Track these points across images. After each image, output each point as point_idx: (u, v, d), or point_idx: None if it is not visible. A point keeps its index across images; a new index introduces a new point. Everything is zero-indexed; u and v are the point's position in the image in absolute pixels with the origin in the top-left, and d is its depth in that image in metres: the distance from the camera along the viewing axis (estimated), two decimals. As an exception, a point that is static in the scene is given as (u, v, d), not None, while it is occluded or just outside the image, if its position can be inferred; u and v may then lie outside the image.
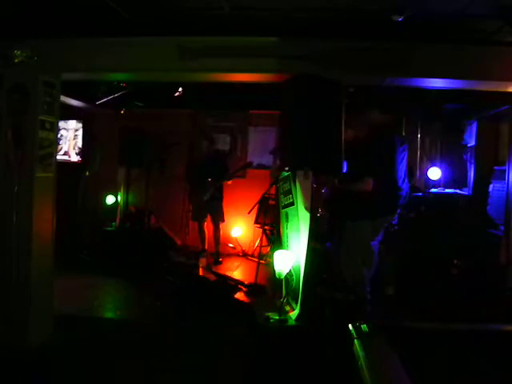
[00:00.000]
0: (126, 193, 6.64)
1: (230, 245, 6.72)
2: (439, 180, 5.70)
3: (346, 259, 3.87)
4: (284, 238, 3.95)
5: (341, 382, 2.54)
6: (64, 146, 6.54)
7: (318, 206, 4.58)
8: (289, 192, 3.74)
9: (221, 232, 6.25)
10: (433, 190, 5.41)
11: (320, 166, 3.35)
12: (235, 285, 4.92)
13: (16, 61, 3.27)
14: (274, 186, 4.95)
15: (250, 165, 6.31)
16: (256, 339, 3.38)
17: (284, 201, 3.89)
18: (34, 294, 3.42)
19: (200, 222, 6.24)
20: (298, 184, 3.52)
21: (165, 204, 6.77)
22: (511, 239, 4.30)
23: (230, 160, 6.54)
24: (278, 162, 5.56)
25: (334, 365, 2.75)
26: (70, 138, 6.54)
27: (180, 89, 5.43)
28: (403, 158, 3.94)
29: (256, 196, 5.62)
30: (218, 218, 6.16)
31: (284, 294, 3.60)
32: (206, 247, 6.26)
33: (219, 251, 6.21)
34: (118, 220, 6.66)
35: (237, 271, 5.71)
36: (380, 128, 3.92)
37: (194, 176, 6.29)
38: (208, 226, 6.26)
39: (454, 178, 5.81)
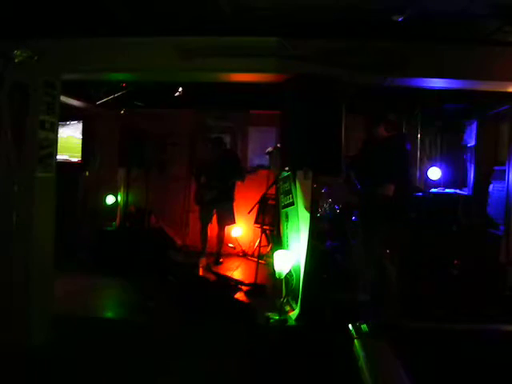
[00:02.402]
0: (126, 193, 6.63)
1: (230, 245, 6.71)
2: (439, 180, 5.70)
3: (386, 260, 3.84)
4: (284, 238, 3.95)
5: (341, 381, 2.54)
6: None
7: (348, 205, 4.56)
8: (289, 192, 3.74)
9: (225, 233, 6.19)
10: (433, 190, 5.40)
11: (320, 166, 3.35)
12: (235, 285, 4.92)
13: (16, 61, 3.26)
14: (274, 186, 4.95)
15: (260, 167, 6.13)
16: (256, 339, 3.38)
17: (284, 201, 3.90)
18: (33, 293, 3.41)
19: (205, 223, 6.12)
20: (297, 184, 3.52)
21: (165, 204, 6.77)
22: (511, 239, 4.31)
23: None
24: (276, 162, 5.53)
25: (334, 365, 2.75)
26: (70, 138, 6.53)
27: (180, 89, 5.42)
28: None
29: (256, 196, 5.62)
30: (226, 219, 6.04)
31: (284, 294, 3.60)
32: (208, 249, 6.15)
33: (220, 252, 6.17)
34: (117, 220, 6.66)
35: (237, 271, 5.71)
36: (392, 131, 3.94)
37: (204, 176, 6.15)
38: (210, 226, 6.18)
39: (454, 178, 5.81)
